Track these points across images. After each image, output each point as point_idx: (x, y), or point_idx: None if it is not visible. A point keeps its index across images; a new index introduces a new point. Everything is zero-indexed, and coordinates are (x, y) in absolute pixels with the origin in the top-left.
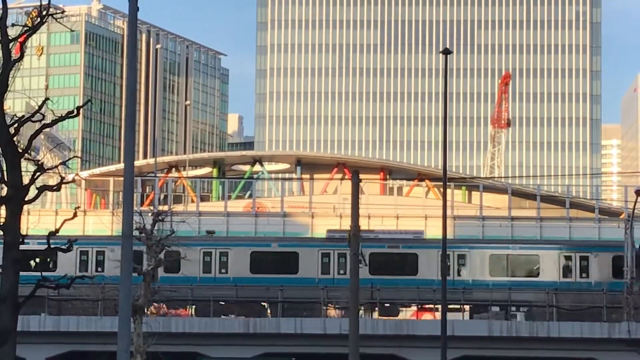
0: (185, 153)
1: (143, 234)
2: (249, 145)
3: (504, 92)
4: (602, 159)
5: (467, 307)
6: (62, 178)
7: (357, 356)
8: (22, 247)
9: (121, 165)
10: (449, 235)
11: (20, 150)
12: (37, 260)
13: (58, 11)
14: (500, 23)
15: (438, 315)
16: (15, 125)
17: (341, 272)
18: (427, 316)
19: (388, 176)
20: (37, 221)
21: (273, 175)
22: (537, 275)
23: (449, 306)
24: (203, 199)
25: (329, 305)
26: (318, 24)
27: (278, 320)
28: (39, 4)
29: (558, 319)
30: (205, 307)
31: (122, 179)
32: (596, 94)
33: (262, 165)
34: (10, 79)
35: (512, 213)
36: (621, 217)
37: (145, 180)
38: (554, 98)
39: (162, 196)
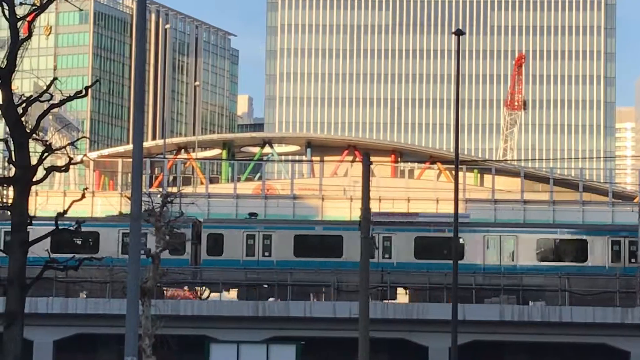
0: (194, 134)
1: (152, 216)
2: (258, 126)
3: (518, 73)
4: (616, 142)
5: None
6: (71, 159)
7: (367, 340)
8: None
9: (130, 147)
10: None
11: (28, 131)
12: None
13: None
14: (514, 4)
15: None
16: (23, 105)
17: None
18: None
19: (399, 159)
20: (45, 202)
21: (283, 157)
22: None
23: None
24: (212, 180)
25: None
26: (329, 4)
27: (287, 303)
28: None
29: (570, 304)
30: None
31: (130, 160)
32: (610, 77)
33: (271, 147)
34: (18, 58)
35: (525, 196)
36: (635, 200)
37: (154, 161)
38: (568, 80)
39: (171, 178)
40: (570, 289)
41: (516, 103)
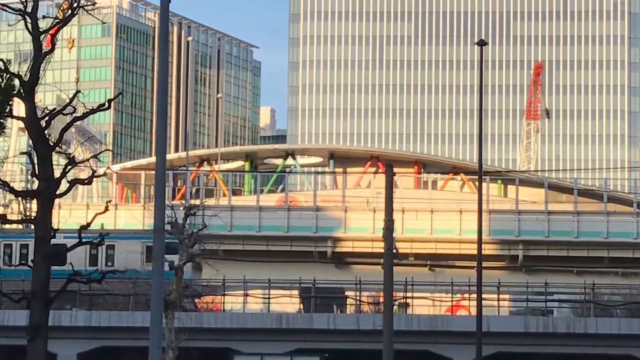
0: (217, 146)
1: (175, 229)
2: (281, 138)
3: (537, 82)
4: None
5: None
6: (94, 171)
7: (391, 352)
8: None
9: (153, 159)
10: (484, 230)
11: (52, 144)
12: None
13: (89, 3)
14: (537, 14)
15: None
16: (47, 118)
17: None
18: (461, 312)
19: (422, 170)
20: (68, 215)
21: (306, 169)
22: None
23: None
24: (235, 192)
25: None
26: (351, 15)
27: (311, 315)
28: None
29: (595, 315)
30: None
31: (153, 172)
32: (634, 86)
33: (294, 158)
34: (41, 71)
35: (549, 207)
36: None
37: (177, 173)
38: (591, 90)
39: (193, 190)
40: (595, 300)
41: (536, 112)
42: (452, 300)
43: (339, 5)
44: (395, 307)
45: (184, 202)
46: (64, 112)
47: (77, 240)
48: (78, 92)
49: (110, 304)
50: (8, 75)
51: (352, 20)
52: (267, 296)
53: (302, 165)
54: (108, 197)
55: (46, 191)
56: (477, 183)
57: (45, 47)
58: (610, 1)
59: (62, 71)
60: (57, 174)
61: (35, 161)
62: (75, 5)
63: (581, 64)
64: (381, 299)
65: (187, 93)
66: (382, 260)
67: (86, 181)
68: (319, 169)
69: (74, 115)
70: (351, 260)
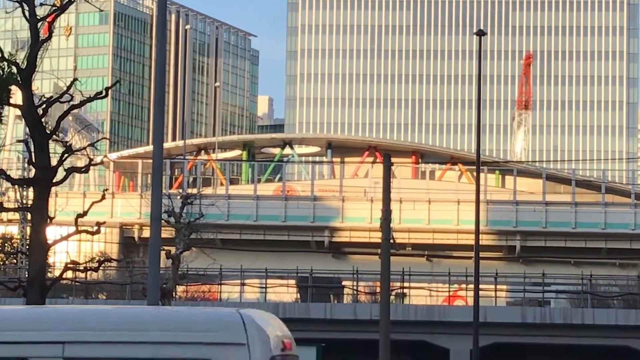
0: (214, 135)
1: (172, 217)
2: (279, 127)
3: (526, 73)
4: (638, 143)
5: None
6: (91, 160)
7: (387, 342)
8: None
9: (150, 147)
10: (482, 221)
11: (49, 132)
12: None
13: None
14: (535, 4)
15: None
16: (44, 106)
17: None
18: (458, 302)
19: (420, 160)
20: (64, 203)
21: (303, 158)
22: None
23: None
24: (232, 182)
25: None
26: (349, 4)
27: (308, 305)
28: None
29: (592, 306)
30: None
31: (150, 161)
32: (633, 77)
33: (292, 148)
34: (38, 59)
35: (547, 198)
36: None
37: (174, 162)
38: (590, 81)
39: (191, 179)
40: (592, 291)
41: (525, 102)
42: (449, 291)
43: None
44: (392, 297)
45: (181, 191)
46: (61, 100)
47: None
48: (75, 80)
49: (107, 292)
50: (6, 64)
51: (351, 9)
52: (264, 286)
53: (300, 155)
54: (105, 186)
55: (43, 179)
56: (475, 173)
57: (43, 34)
58: None
59: (59, 59)
60: (53, 162)
61: (32, 149)
62: None
63: (580, 55)
64: (378, 289)
65: (184, 82)
66: (379, 250)
67: (83, 169)
68: (317, 159)
69: (71, 103)
70: (348, 250)
